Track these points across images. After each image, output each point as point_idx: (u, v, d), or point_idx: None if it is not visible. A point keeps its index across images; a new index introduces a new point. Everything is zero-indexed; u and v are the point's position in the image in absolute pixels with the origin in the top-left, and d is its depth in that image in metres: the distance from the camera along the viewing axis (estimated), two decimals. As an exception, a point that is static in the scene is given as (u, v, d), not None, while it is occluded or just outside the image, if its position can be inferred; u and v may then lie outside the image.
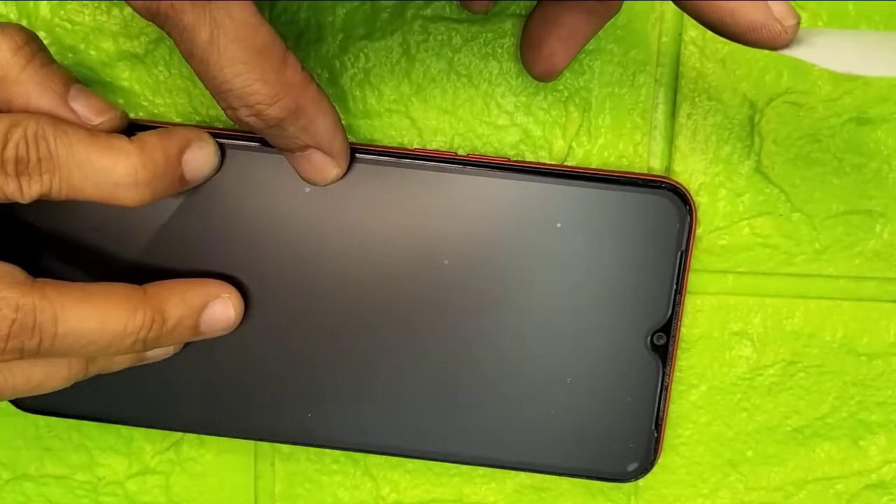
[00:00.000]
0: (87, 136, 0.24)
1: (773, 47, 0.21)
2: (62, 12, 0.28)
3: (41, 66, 0.24)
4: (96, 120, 0.24)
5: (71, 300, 0.24)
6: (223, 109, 0.23)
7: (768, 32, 0.21)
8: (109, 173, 0.24)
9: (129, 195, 0.24)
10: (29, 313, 0.23)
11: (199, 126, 0.27)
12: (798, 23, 0.21)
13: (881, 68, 0.22)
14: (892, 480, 0.31)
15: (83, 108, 0.24)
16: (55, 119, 0.24)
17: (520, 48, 0.28)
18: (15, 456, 0.32)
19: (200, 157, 0.26)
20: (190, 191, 0.27)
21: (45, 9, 0.28)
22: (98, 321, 0.24)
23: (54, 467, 0.32)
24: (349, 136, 0.28)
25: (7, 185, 0.23)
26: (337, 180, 0.26)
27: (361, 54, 0.28)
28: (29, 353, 0.23)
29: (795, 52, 0.22)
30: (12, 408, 0.30)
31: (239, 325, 0.27)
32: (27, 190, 0.23)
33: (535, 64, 0.27)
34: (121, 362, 0.27)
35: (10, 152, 0.23)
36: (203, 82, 0.22)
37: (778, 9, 0.21)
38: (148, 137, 0.25)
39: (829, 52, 0.23)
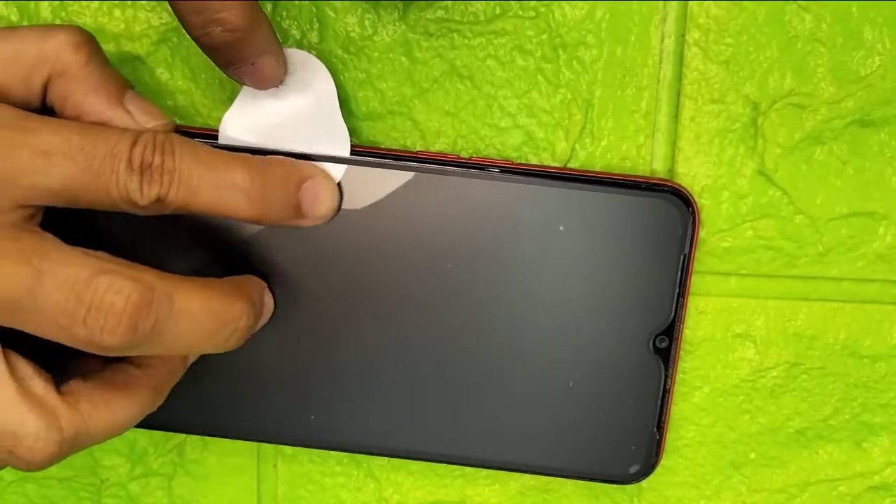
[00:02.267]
0: (212, 148, 0.24)
1: None
2: (63, 14, 0.28)
3: (99, 66, 0.24)
4: (150, 124, 0.25)
5: (180, 281, 0.23)
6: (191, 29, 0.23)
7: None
8: (228, 176, 0.24)
9: (243, 203, 0.24)
10: (147, 287, 0.22)
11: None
12: None
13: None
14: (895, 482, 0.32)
15: (138, 111, 0.25)
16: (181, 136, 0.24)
17: None
18: (17, 458, 0.32)
19: (320, 191, 0.26)
20: None
21: (46, 10, 0.28)
22: (207, 304, 0.23)
23: (57, 469, 0.32)
24: (352, 139, 0.28)
25: (131, 182, 0.23)
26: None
27: (363, 55, 0.28)
28: (140, 338, 0.22)
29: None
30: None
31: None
32: (147, 191, 0.23)
33: None
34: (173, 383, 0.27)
35: (137, 150, 0.23)
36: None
37: None
38: (271, 157, 0.25)
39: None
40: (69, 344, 0.22)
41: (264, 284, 0.27)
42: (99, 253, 0.23)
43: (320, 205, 0.26)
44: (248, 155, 0.25)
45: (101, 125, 0.24)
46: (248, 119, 0.27)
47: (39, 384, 0.23)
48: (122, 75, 0.25)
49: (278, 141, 0.27)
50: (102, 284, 0.22)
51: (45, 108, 0.25)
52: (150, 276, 0.22)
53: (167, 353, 0.25)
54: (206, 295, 0.24)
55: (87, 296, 0.21)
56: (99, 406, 0.24)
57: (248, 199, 0.24)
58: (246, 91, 0.26)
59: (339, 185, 0.27)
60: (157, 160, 0.23)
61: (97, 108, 0.24)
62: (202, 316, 0.23)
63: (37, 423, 0.23)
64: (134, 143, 0.23)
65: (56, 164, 0.22)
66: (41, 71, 0.24)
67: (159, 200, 0.23)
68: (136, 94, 0.25)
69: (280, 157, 0.26)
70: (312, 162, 0.27)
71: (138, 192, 0.23)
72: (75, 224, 0.25)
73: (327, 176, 0.27)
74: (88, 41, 0.24)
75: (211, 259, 0.28)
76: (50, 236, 0.23)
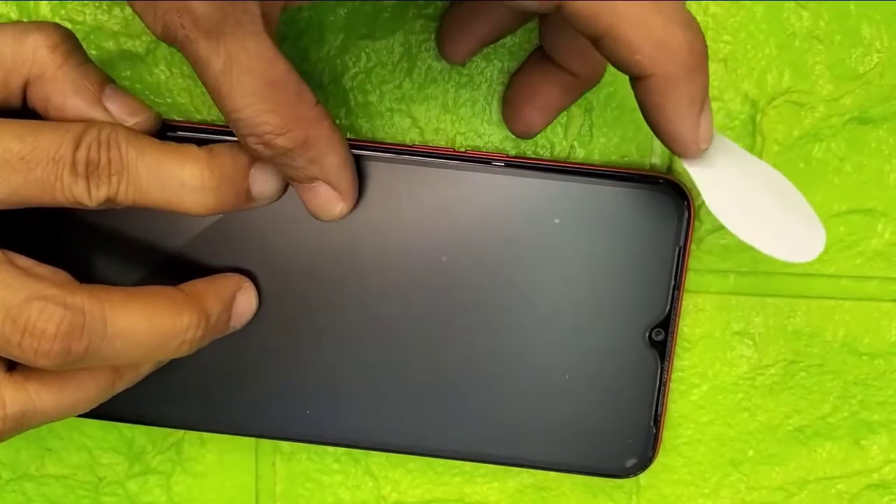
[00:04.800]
0: (158, 143, 0.24)
1: (680, 156, 0.23)
2: (63, 12, 0.28)
3: (77, 65, 0.24)
4: (130, 121, 0.24)
5: (119, 299, 0.23)
6: (236, 135, 0.23)
7: (684, 148, 0.22)
8: (177, 174, 0.24)
9: (194, 199, 0.24)
10: (78, 312, 0.22)
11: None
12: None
13: (751, 235, 0.23)
14: (894, 480, 0.31)
15: (118, 108, 0.24)
16: (127, 127, 0.24)
17: (501, 104, 0.28)
18: (15, 456, 0.32)
19: (269, 173, 0.26)
20: None
21: (45, 8, 0.28)
22: (147, 321, 0.23)
23: (55, 467, 0.32)
24: (350, 135, 0.28)
25: (76, 186, 0.23)
26: (342, 216, 0.26)
27: (363, 54, 0.28)
28: (74, 359, 0.23)
29: (694, 172, 0.23)
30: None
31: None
32: (95, 193, 0.23)
33: (513, 124, 0.27)
34: (144, 372, 0.27)
35: (81, 153, 0.23)
36: (217, 106, 0.22)
37: (703, 131, 0.22)
38: (218, 147, 0.25)
39: (718, 193, 0.23)
40: (7, 357, 0.23)
41: (240, 285, 0.27)
42: (40, 270, 0.23)
43: (269, 185, 0.26)
44: (194, 147, 0.24)
45: (47, 123, 0.23)
46: (729, 193, 0.24)
47: None
48: (101, 70, 0.25)
49: (755, 223, 0.24)
50: (35, 311, 0.22)
51: (26, 108, 0.24)
52: (82, 298, 0.22)
53: (112, 365, 0.25)
54: (146, 311, 0.23)
55: (21, 321, 0.22)
56: (49, 384, 0.24)
57: (200, 195, 0.24)
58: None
59: None
60: (104, 158, 0.23)
61: (78, 110, 0.24)
62: (140, 334, 0.23)
63: None
64: (77, 146, 0.23)
65: None
66: (19, 73, 0.24)
67: (109, 200, 0.23)
68: (115, 88, 0.25)
69: (226, 144, 0.25)
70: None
71: (86, 195, 0.23)
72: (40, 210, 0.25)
73: None
74: (65, 40, 0.24)
75: (198, 252, 0.28)
76: None
